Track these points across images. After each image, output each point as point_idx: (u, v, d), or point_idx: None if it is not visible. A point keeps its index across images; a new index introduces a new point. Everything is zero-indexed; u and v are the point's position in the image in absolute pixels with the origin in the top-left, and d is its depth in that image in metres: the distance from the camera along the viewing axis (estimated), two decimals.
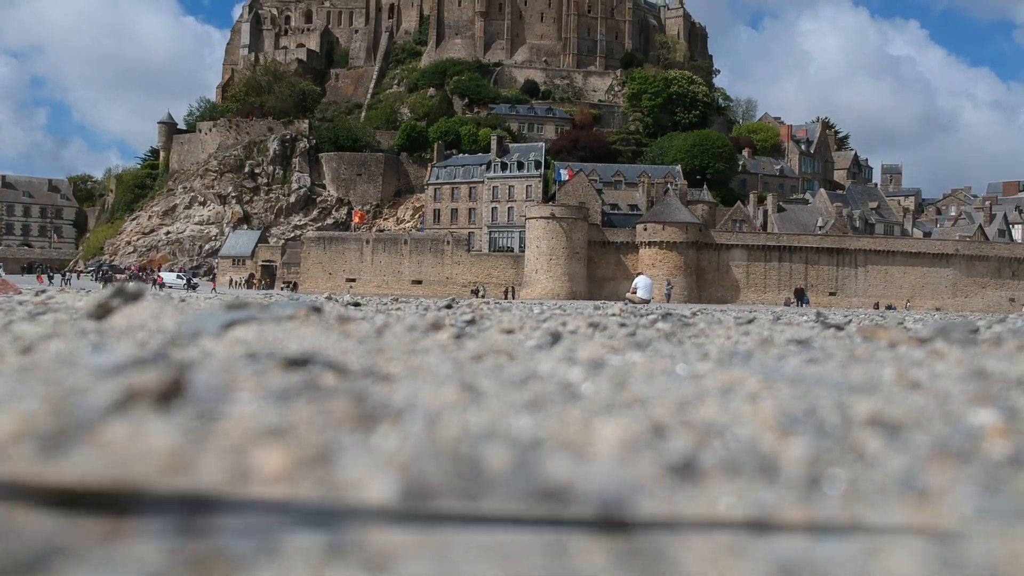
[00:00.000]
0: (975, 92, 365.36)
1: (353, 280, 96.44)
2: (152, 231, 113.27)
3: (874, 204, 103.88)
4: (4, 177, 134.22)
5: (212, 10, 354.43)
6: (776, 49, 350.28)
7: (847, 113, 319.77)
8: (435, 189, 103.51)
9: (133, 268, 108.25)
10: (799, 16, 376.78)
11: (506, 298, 74.05)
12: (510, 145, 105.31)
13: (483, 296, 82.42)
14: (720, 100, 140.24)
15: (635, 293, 21.70)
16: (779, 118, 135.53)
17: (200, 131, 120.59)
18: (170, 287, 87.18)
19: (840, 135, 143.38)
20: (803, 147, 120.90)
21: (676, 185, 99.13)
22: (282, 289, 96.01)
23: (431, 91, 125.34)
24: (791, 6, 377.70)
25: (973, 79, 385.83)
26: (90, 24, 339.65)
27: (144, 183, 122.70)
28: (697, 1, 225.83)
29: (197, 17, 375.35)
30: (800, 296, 51.18)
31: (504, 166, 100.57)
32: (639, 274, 22.57)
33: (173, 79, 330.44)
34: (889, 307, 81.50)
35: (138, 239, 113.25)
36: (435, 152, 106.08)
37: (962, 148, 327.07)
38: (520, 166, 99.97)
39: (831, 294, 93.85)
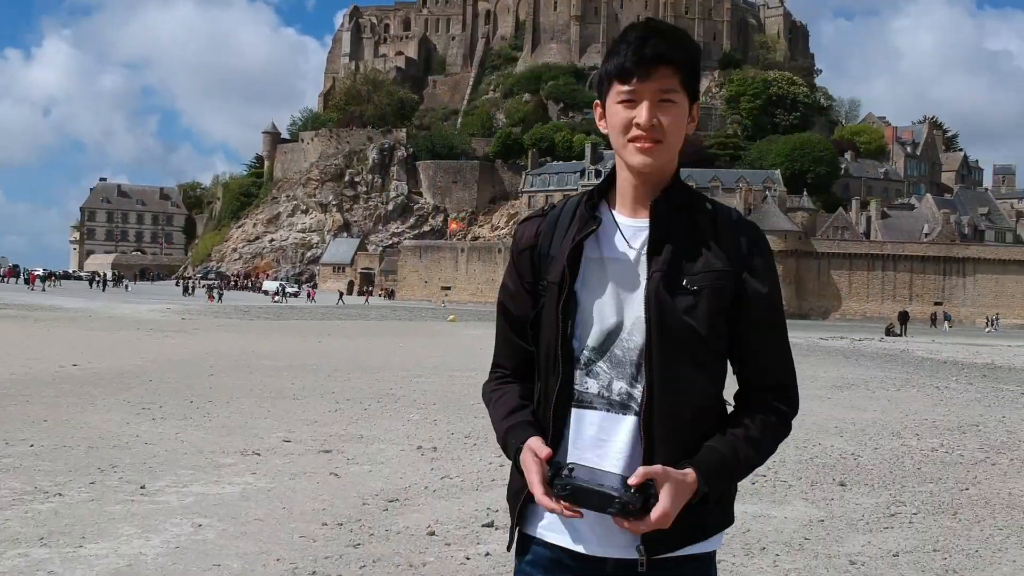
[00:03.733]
0: None
1: (448, 288, 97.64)
2: (257, 238, 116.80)
3: (984, 209, 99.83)
4: (120, 186, 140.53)
5: (309, 21, 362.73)
6: (867, 44, 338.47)
7: (941, 109, 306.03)
8: (529, 197, 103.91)
9: (240, 275, 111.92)
10: (894, 11, 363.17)
11: None
12: (604, 152, 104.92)
13: None
14: (822, 100, 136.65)
15: None
16: (884, 118, 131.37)
17: (302, 140, 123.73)
18: (275, 295, 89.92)
19: (948, 134, 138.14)
20: (908, 149, 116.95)
21: (775, 191, 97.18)
22: (379, 296, 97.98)
23: (526, 96, 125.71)
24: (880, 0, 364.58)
25: None
26: (195, 37, 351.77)
27: (249, 191, 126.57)
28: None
29: (295, 28, 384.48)
30: (904, 320, 49.32)
31: (598, 173, 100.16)
32: None
33: (272, 88, 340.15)
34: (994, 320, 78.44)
35: (244, 246, 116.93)
36: (529, 159, 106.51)
37: None
38: None
39: (937, 303, 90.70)
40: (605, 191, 2.09)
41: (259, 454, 8.13)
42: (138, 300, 61.44)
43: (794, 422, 2.02)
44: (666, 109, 1.95)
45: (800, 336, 39.11)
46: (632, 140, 1.96)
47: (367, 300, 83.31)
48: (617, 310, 2.00)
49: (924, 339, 42.03)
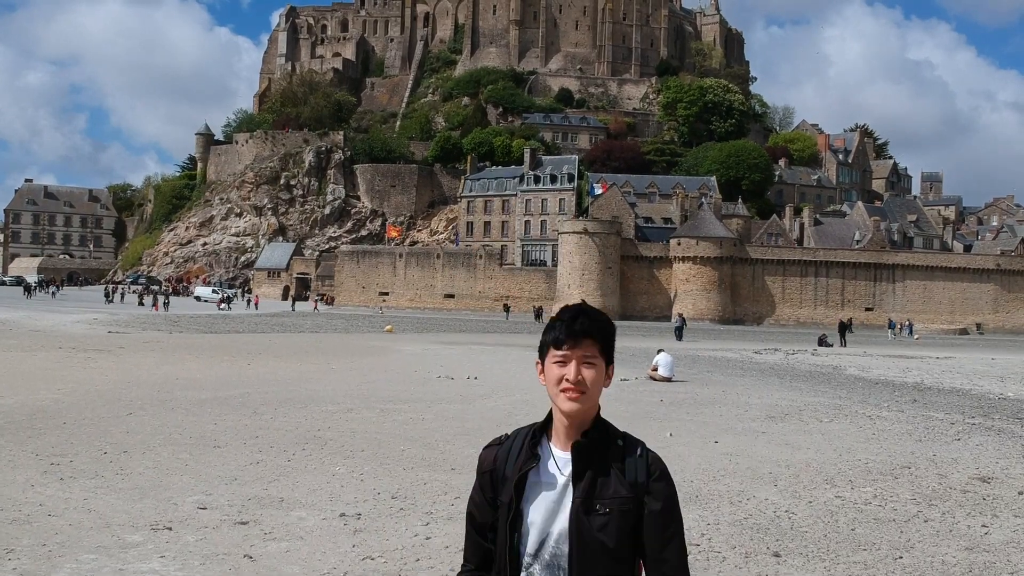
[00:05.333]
0: (1005, 95, 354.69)
1: (386, 294, 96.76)
2: (189, 242, 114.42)
3: (913, 217, 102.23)
4: (46, 188, 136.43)
5: (244, 20, 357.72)
6: (798, 51, 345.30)
7: (868, 116, 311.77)
8: (468, 202, 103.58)
9: (172, 280, 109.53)
10: (822, 21, 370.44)
11: (537, 319, 73.78)
12: (543, 157, 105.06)
13: (509, 312, 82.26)
14: (757, 107, 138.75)
15: (656, 371, 21.48)
16: (816, 125, 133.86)
17: (237, 142, 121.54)
18: (205, 301, 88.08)
19: (879, 142, 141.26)
20: (840, 156, 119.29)
21: (711, 197, 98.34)
22: (316, 300, 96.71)
23: (465, 100, 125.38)
24: (811, 9, 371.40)
25: (1000, 80, 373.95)
26: (125, 35, 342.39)
27: (182, 193, 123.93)
28: (729, 5, 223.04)
29: (229, 27, 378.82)
30: (843, 331, 50.02)
31: (537, 179, 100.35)
32: (660, 351, 22.26)
33: (205, 87, 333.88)
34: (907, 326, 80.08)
35: (175, 250, 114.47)
36: (468, 164, 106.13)
37: (1000, 151, 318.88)
38: (553, 179, 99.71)
39: (868, 309, 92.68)
40: (545, 427, 2.86)
41: (170, 528, 7.69)
42: (65, 308, 59.66)
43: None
44: (589, 369, 2.73)
45: (735, 349, 39.44)
46: (563, 391, 2.73)
47: (316, 307, 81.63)
48: (548, 523, 2.73)
49: (856, 351, 42.72)
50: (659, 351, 22.16)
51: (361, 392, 18.15)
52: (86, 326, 43.40)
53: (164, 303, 66.20)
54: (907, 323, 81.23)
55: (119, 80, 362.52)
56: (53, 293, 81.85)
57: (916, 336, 68.29)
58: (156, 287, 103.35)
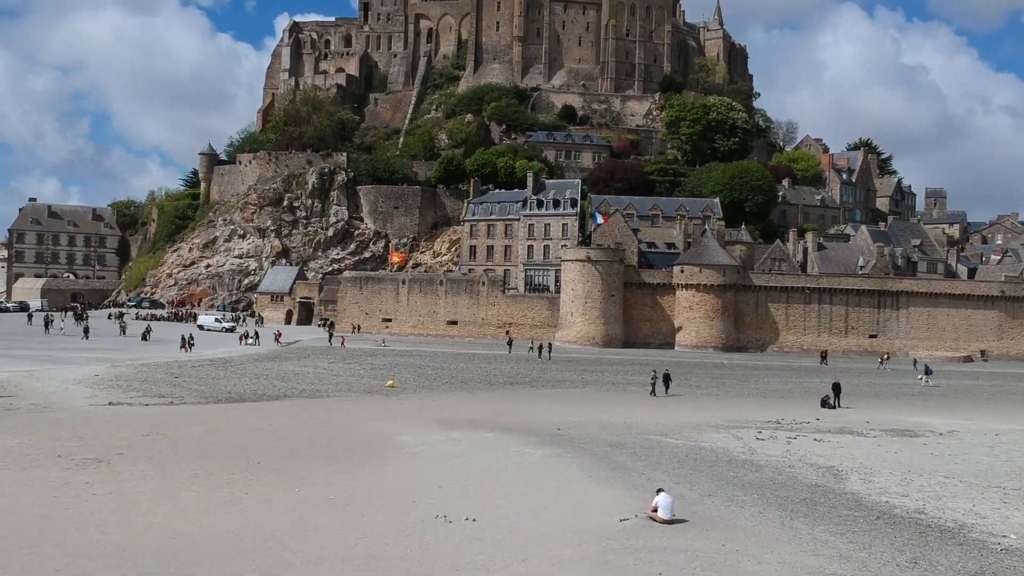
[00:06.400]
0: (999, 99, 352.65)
1: (389, 320, 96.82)
2: (192, 263, 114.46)
3: (917, 241, 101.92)
4: (50, 207, 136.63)
5: (245, 27, 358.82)
6: (795, 56, 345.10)
7: (864, 120, 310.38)
8: (471, 225, 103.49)
9: (175, 301, 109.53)
10: (819, 27, 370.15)
11: (540, 356, 73.58)
12: (546, 181, 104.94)
13: (512, 342, 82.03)
14: (760, 122, 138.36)
15: (656, 512, 21.36)
16: (820, 140, 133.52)
17: (240, 163, 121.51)
18: (208, 330, 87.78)
19: (883, 156, 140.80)
20: (844, 176, 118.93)
21: (714, 221, 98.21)
22: (319, 326, 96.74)
23: (469, 117, 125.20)
24: (806, 14, 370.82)
25: (996, 84, 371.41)
26: (126, 42, 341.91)
27: (185, 213, 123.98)
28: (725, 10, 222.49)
29: (231, 34, 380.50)
30: (838, 392, 49.78)
31: (540, 203, 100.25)
32: (660, 491, 22.14)
33: (206, 92, 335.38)
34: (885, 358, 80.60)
35: (179, 271, 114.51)
36: (472, 187, 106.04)
37: (996, 154, 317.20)
38: (556, 203, 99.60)
39: (872, 336, 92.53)
40: None
41: None
42: (70, 353, 59.72)
43: None
44: None
45: (734, 424, 39.08)
46: None
47: (343, 343, 79.36)
48: None
49: (858, 417, 42.55)
50: (659, 491, 22.04)
51: (355, 564, 18.08)
52: (88, 390, 43.56)
53: (189, 343, 66.71)
54: (885, 356, 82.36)
55: (121, 85, 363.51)
56: (62, 328, 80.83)
57: (933, 384, 65.05)
58: (159, 311, 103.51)
